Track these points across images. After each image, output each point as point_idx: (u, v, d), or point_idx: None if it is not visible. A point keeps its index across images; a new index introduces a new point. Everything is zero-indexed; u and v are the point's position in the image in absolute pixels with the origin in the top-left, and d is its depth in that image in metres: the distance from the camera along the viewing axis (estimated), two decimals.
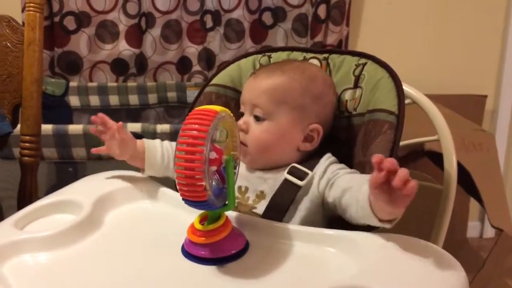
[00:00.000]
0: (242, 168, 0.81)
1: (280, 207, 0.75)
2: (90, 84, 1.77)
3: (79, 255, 0.66)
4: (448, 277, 0.58)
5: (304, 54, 0.87)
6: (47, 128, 1.27)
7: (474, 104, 1.92)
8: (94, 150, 0.80)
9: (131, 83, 1.79)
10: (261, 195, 0.78)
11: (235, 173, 0.67)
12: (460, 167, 1.39)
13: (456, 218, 1.93)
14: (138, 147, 0.81)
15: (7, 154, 1.25)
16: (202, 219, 0.67)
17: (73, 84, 1.75)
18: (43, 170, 1.34)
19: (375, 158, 0.56)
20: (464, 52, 2.01)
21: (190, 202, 0.61)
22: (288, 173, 0.76)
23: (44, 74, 1.74)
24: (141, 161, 0.81)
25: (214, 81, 0.88)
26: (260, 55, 0.89)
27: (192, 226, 0.66)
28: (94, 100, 1.77)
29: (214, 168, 0.63)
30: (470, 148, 1.47)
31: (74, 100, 1.76)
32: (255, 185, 0.79)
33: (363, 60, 0.82)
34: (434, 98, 1.77)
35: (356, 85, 0.82)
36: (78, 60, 1.80)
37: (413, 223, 1.01)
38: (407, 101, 0.92)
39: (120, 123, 0.79)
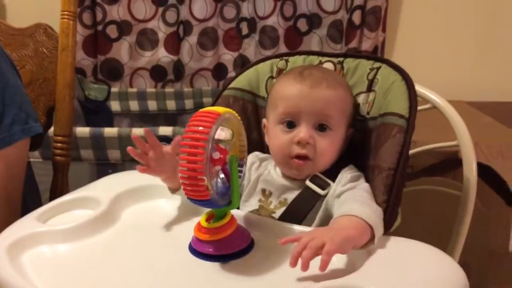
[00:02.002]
0: (271, 173, 0.82)
1: (298, 213, 0.76)
2: (130, 89, 1.85)
3: (94, 248, 0.70)
4: (447, 283, 0.57)
5: (320, 58, 0.87)
6: (84, 130, 1.34)
7: None
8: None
9: (168, 89, 1.86)
10: (283, 202, 0.79)
11: (241, 171, 0.69)
12: (496, 176, 1.35)
13: (497, 230, 1.85)
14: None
15: (48, 155, 1.33)
16: (209, 217, 0.69)
17: (114, 89, 1.83)
18: (85, 171, 1.41)
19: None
20: (508, 59, 1.93)
21: (194, 200, 0.64)
22: (310, 181, 0.77)
23: (87, 80, 1.83)
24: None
25: (232, 85, 0.90)
26: (278, 59, 0.90)
27: (198, 223, 0.69)
28: (134, 105, 1.84)
29: (218, 167, 0.65)
30: (508, 157, 1.42)
31: (115, 105, 1.84)
32: (279, 192, 0.80)
33: (377, 64, 0.82)
34: (477, 105, 1.72)
35: (369, 89, 0.82)
36: (119, 66, 1.88)
37: (437, 231, 0.99)
38: (427, 105, 0.91)
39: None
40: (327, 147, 0.77)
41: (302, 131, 0.76)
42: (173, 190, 0.79)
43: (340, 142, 0.79)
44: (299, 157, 0.77)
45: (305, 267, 0.58)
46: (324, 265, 0.58)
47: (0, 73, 0.84)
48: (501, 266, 1.75)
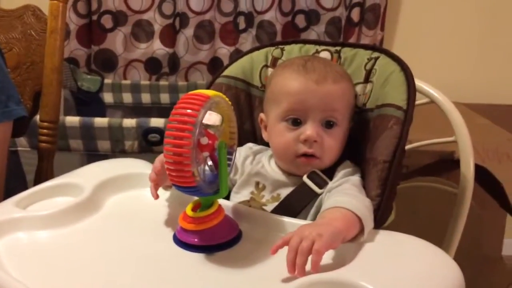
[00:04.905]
0: (265, 167, 0.79)
1: (291, 210, 0.73)
2: (124, 81, 1.81)
3: (74, 236, 0.67)
4: (442, 278, 0.54)
5: (317, 46, 0.84)
6: (74, 120, 1.31)
7: None
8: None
9: (163, 82, 1.82)
10: (276, 198, 0.76)
11: (230, 159, 0.66)
12: (492, 178, 1.32)
13: (491, 234, 1.83)
14: None
15: (35, 144, 1.29)
16: (195, 207, 0.66)
17: (107, 81, 1.80)
18: (73, 161, 1.38)
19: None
20: (507, 61, 1.91)
21: (179, 187, 0.61)
22: (308, 177, 0.74)
23: (80, 71, 1.79)
24: None
25: (225, 73, 0.87)
26: (273, 48, 0.87)
27: (184, 213, 0.66)
28: (127, 98, 1.81)
29: (206, 154, 0.62)
30: (504, 159, 1.40)
31: (108, 97, 1.80)
32: (273, 186, 0.77)
33: (376, 54, 0.79)
34: (474, 107, 1.70)
35: (366, 80, 0.79)
36: (113, 58, 1.84)
37: (431, 229, 0.96)
38: (425, 100, 0.89)
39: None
40: (334, 144, 0.74)
41: (309, 129, 0.73)
42: (167, 187, 0.76)
43: (345, 137, 0.77)
44: (305, 155, 0.74)
45: (302, 273, 0.56)
46: (315, 265, 0.56)
47: None
48: (493, 271, 1.73)
